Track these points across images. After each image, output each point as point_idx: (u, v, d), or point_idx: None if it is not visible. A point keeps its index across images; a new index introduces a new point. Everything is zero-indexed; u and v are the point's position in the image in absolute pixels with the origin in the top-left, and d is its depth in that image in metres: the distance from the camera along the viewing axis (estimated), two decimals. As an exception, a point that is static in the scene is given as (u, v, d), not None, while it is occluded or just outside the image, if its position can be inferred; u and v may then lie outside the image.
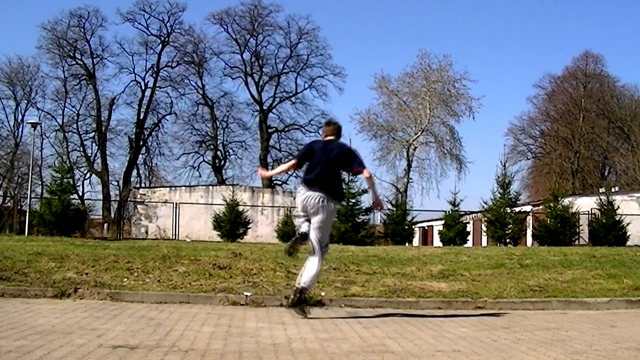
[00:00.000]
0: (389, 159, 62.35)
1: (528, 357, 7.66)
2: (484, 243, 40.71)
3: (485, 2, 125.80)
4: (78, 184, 62.70)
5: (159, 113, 73.80)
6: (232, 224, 35.63)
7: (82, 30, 69.80)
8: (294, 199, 11.12)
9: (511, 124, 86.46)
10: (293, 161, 11.88)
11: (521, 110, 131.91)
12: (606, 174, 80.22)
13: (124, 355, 7.03)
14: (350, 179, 32.63)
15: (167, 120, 74.21)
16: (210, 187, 51.46)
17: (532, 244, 37.63)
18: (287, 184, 70.94)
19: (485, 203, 35.97)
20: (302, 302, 10.59)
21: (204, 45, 73.41)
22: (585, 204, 39.37)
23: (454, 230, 35.15)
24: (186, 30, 72.92)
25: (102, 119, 69.36)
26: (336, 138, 11.24)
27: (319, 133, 69.33)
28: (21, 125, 69.83)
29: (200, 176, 72.82)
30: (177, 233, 41.58)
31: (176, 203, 43.67)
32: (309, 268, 10.59)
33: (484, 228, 35.94)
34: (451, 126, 62.26)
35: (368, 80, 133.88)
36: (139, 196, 49.91)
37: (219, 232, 36.05)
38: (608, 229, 33.96)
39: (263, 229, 44.57)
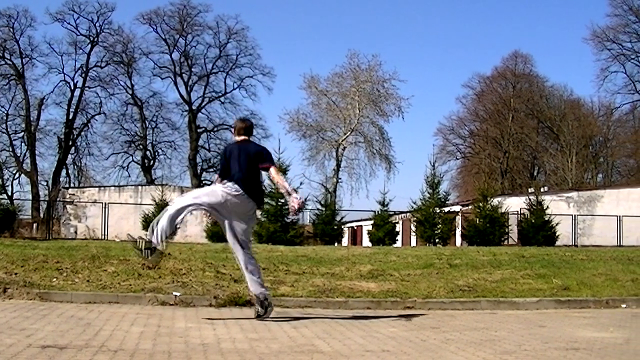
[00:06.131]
0: (318, 159, 62.18)
1: (457, 357, 7.74)
2: (413, 243, 40.93)
3: (414, 2, 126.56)
4: (7, 184, 62.45)
5: (88, 113, 73.14)
6: (161, 224, 35.40)
7: (11, 30, 68.71)
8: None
9: (440, 124, 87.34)
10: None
11: (450, 110, 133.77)
12: (535, 174, 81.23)
13: (53, 355, 6.97)
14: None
15: (97, 120, 73.50)
16: (140, 187, 51.21)
17: (461, 244, 37.91)
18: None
19: (415, 203, 36.32)
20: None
21: (133, 45, 72.99)
22: (514, 204, 39.90)
23: (383, 230, 35.25)
24: (115, 30, 72.33)
25: (32, 118, 68.45)
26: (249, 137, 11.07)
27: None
28: (-51, 125, 68.64)
29: (129, 176, 72.45)
30: (106, 233, 41.21)
31: (105, 203, 43.34)
32: None
33: (413, 228, 36.24)
34: (380, 126, 62.73)
35: (297, 80, 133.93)
36: (68, 196, 49.40)
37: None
38: (537, 229, 34.42)
39: (192, 229, 44.32)
